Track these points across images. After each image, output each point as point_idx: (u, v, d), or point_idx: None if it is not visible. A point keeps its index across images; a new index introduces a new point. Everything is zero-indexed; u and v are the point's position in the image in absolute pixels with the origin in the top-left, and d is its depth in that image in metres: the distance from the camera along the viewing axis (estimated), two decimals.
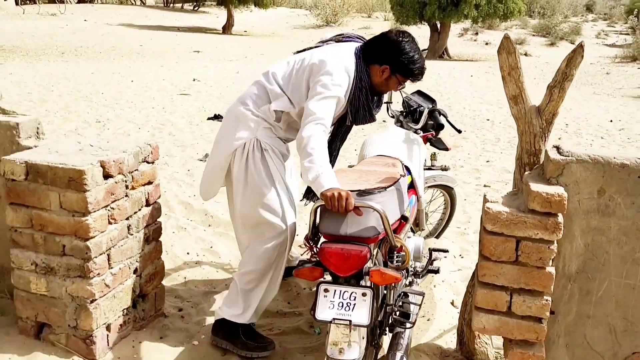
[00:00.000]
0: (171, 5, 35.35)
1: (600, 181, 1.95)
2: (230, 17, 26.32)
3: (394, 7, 19.88)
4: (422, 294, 2.32)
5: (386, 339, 2.46)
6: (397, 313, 2.30)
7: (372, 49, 2.51)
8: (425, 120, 3.06)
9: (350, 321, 1.99)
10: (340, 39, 2.68)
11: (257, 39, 22.04)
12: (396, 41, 2.49)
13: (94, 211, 2.25)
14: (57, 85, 9.71)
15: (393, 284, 2.35)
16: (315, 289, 2.27)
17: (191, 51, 17.69)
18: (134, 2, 36.79)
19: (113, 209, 2.36)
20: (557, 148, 2.02)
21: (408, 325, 2.27)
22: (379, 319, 2.30)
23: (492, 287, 2.04)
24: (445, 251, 2.86)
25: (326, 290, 2.06)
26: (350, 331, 2.01)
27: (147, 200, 2.59)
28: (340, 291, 2.05)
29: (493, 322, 2.06)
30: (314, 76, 2.40)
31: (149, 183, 2.60)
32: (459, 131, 3.17)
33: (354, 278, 2.10)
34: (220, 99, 9.14)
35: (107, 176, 2.32)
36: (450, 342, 2.75)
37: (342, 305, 2.03)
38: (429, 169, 3.17)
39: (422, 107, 3.07)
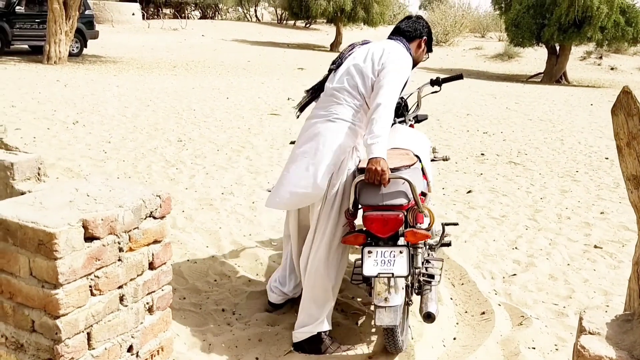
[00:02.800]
0: (284, 22, 36.16)
1: None
2: (338, 34, 26.29)
3: (508, 28, 18.71)
4: (442, 260, 2.93)
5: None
6: (423, 276, 2.72)
7: (409, 29, 2.91)
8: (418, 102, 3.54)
9: (392, 274, 2.40)
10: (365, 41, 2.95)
11: None
12: (424, 19, 3.05)
13: (68, 282, 1.83)
14: (155, 100, 9.86)
15: (420, 245, 2.74)
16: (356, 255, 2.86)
17: (295, 68, 17.69)
18: (250, 19, 38.11)
19: (98, 277, 1.94)
20: None
21: (434, 283, 2.70)
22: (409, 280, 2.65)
23: None
24: (456, 224, 3.45)
25: (369, 252, 2.46)
26: (390, 283, 2.42)
27: (150, 264, 2.15)
28: (381, 251, 2.46)
29: None
30: (387, 65, 2.67)
31: (156, 242, 2.16)
32: (460, 76, 3.55)
33: (391, 240, 2.50)
34: None
35: (92, 238, 1.90)
36: None
37: (384, 262, 2.43)
38: (432, 160, 3.38)
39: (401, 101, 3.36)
